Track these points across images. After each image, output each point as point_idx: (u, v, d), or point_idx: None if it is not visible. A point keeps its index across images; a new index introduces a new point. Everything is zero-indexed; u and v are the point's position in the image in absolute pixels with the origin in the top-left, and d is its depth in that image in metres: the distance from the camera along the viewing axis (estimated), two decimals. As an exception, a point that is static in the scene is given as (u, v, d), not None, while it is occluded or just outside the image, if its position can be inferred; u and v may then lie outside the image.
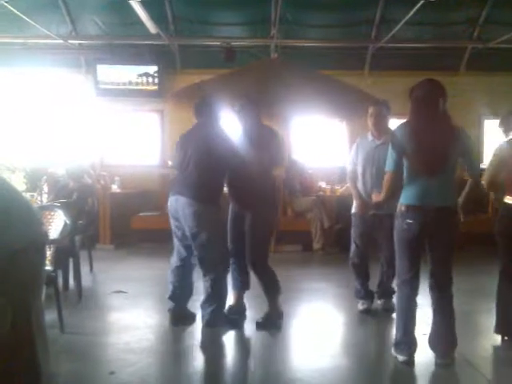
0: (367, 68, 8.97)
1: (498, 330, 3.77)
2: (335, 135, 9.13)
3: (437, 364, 3.36)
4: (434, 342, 3.40)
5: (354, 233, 4.57)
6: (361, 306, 4.55)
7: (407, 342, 3.38)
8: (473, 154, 3.38)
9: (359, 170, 4.44)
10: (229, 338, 3.99)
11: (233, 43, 8.56)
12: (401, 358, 3.39)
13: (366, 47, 8.86)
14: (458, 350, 3.43)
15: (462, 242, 7.43)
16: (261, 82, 6.70)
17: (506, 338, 3.74)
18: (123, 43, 8.72)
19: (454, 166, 3.30)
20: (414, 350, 3.40)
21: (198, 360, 3.64)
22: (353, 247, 4.59)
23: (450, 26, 8.59)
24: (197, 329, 4.09)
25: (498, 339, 3.77)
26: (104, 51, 8.77)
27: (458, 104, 8.34)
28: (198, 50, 8.92)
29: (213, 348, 3.80)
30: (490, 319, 3.94)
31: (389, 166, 3.35)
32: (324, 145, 9.07)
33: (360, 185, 4.45)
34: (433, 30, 8.60)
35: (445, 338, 3.36)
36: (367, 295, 4.56)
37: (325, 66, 8.20)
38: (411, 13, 7.45)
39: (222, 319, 4.06)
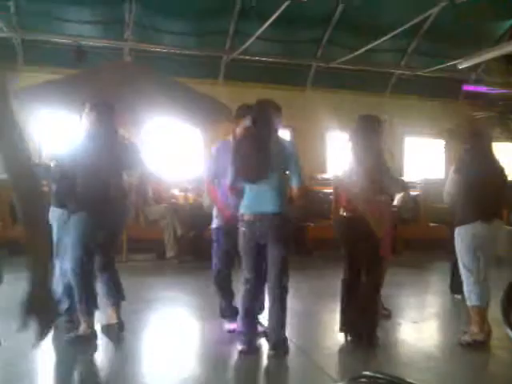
0: (221, 78, 9.18)
1: (341, 330, 4.06)
2: (189, 143, 9.16)
3: (271, 355, 3.59)
4: (269, 335, 3.66)
5: (219, 247, 4.12)
6: (228, 325, 4.13)
7: (246, 333, 3.63)
8: (296, 166, 3.62)
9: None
10: (65, 353, 3.74)
11: (84, 42, 8.18)
12: (240, 347, 3.61)
13: (221, 57, 9.06)
14: (300, 345, 3.71)
15: (311, 248, 8.01)
16: (113, 85, 6.47)
17: (349, 336, 4.03)
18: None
19: (279, 175, 3.57)
20: (254, 340, 3.67)
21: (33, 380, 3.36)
22: (218, 264, 4.14)
23: (297, 44, 9.18)
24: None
25: (339, 336, 4.08)
26: None
27: (305, 117, 8.98)
28: (45, 46, 8.34)
29: (48, 366, 3.54)
30: (332, 318, 4.25)
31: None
32: (177, 152, 9.05)
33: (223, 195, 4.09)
34: (282, 46, 9.11)
35: (277, 330, 3.62)
36: (233, 313, 4.05)
37: (180, 73, 8.20)
38: (262, 29, 7.82)
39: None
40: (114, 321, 3.92)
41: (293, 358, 3.64)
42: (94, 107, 3.92)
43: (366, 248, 3.86)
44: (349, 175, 3.95)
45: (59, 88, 6.65)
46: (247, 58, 8.95)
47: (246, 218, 3.59)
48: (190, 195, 7.79)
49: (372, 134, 3.99)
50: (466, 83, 10.09)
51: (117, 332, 3.88)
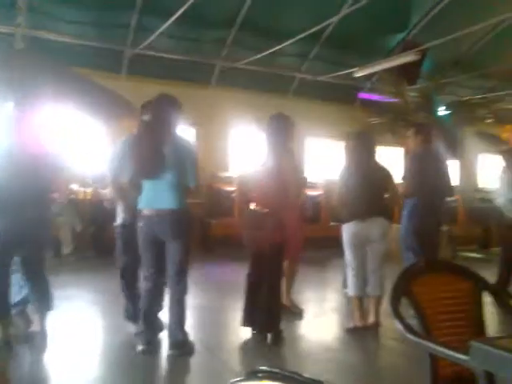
0: (124, 72, 8.92)
1: (244, 323, 4.15)
2: (90, 137, 8.79)
3: (170, 355, 3.58)
4: (169, 335, 3.64)
5: (124, 246, 4.00)
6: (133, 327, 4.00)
7: (147, 332, 3.60)
8: (192, 166, 3.60)
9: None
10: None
11: (-30, 26, 7.56)
12: (140, 347, 3.58)
13: (123, 51, 8.80)
14: (202, 340, 3.78)
15: (213, 245, 8.05)
16: (4, 72, 6.03)
17: (252, 330, 4.13)
18: None
19: (177, 172, 3.55)
20: (153, 339, 3.65)
21: None
22: (125, 260, 4.03)
23: (203, 42, 9.16)
24: None
25: (242, 332, 4.14)
26: None
27: (209, 116, 9.00)
28: None
29: None
30: (234, 314, 4.31)
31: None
32: (77, 146, 8.64)
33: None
34: (187, 44, 9.04)
35: (176, 331, 3.60)
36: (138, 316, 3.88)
37: (79, 65, 7.83)
38: (166, 25, 7.71)
39: None
40: (36, 329, 3.74)
41: (195, 354, 3.65)
42: (18, 103, 3.65)
43: (274, 245, 3.95)
44: (261, 173, 4.04)
45: None
46: (151, 53, 8.77)
47: (143, 213, 3.58)
48: (91, 190, 7.51)
49: (285, 133, 4.13)
50: (361, 90, 10.68)
51: (37, 341, 3.70)
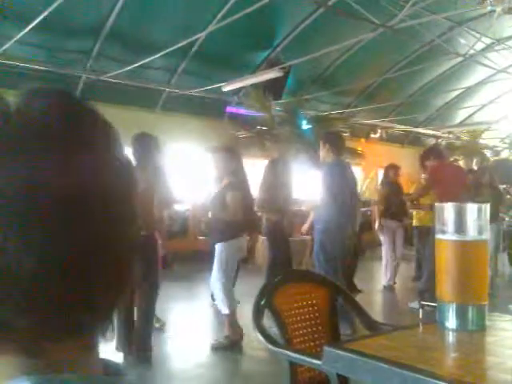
0: (-27, 82, 8.18)
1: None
2: None
3: None
4: None
5: None
6: None
7: None
8: None
9: None
10: None
11: None
12: None
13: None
14: None
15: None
16: None
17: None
18: None
19: None
20: None
21: None
22: None
23: (66, 53, 8.73)
24: None
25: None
26: None
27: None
28: None
29: None
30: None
31: None
32: None
33: None
34: (47, 53, 8.55)
35: None
36: None
37: None
38: (23, 32, 7.23)
39: None
40: None
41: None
42: None
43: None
44: None
45: None
46: (5, 62, 8.14)
47: None
48: None
49: (149, 153, 4.06)
50: (229, 105, 10.92)
51: None
